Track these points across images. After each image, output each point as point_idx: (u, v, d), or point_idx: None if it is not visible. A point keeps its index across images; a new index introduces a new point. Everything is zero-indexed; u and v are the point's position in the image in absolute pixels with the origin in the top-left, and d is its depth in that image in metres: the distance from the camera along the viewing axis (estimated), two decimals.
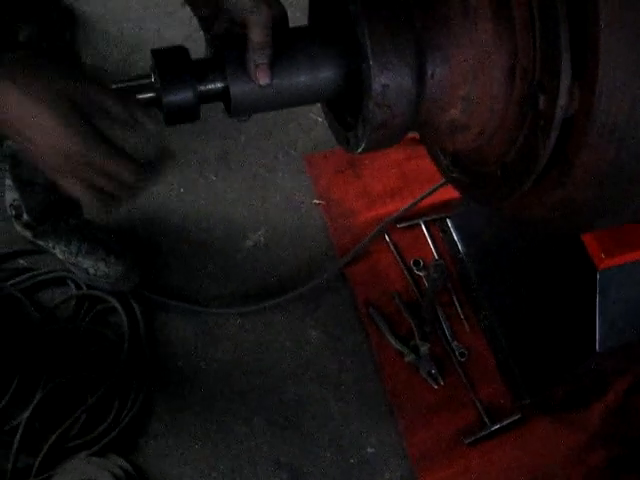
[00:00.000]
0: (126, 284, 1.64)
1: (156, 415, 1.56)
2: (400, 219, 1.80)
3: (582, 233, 1.17)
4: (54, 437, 1.48)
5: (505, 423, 1.55)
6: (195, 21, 2.10)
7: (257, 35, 0.81)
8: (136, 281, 1.65)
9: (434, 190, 1.81)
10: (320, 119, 1.95)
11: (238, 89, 0.82)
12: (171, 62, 0.81)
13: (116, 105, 0.78)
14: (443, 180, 1.79)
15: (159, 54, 0.82)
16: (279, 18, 0.85)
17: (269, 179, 1.87)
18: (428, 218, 1.81)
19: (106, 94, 0.78)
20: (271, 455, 1.53)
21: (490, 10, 0.80)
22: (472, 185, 0.99)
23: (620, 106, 0.75)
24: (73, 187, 0.80)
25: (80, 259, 1.63)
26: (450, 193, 1.81)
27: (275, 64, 0.82)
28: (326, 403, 1.59)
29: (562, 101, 0.76)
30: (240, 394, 1.59)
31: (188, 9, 2.03)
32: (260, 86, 0.82)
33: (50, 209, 1.59)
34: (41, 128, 0.75)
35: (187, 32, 2.00)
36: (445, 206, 1.81)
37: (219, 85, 0.83)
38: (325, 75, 0.84)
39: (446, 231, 1.80)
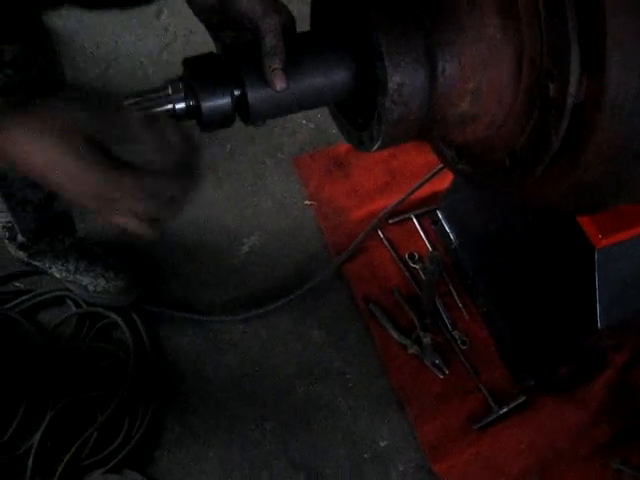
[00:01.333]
0: (126, 298, 1.64)
1: (168, 427, 1.56)
2: (391, 214, 1.82)
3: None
4: (68, 457, 1.47)
5: (511, 406, 1.58)
6: (171, 32, 2.11)
7: (270, 41, 0.82)
8: (136, 295, 1.65)
9: (422, 184, 1.84)
10: (304, 121, 1.97)
11: (256, 95, 0.83)
12: (207, 68, 0.83)
13: (140, 128, 0.74)
14: (430, 173, 1.85)
15: (193, 62, 0.83)
16: (289, 24, 0.86)
17: (259, 184, 1.89)
18: (418, 211, 1.83)
19: (126, 119, 0.74)
20: (286, 457, 1.54)
21: (495, 4, 0.82)
22: (479, 175, 1.01)
23: (628, 90, 0.78)
24: (118, 219, 0.77)
25: (79, 276, 1.62)
26: (438, 185, 1.85)
27: (289, 68, 0.83)
28: (335, 401, 1.61)
29: (572, 89, 0.78)
30: (249, 399, 1.60)
31: (163, 21, 2.04)
32: (277, 91, 0.83)
33: (44, 228, 1.58)
34: (63, 174, 0.73)
35: (164, 43, 2.01)
36: (434, 198, 1.84)
37: (237, 92, 0.84)
38: (338, 76, 0.86)
39: (437, 222, 1.83)
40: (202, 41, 0.95)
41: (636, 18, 0.75)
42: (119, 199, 0.75)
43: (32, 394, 1.53)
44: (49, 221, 1.57)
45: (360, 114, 0.93)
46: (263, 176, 1.90)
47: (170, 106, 0.83)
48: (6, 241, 1.62)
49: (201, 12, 0.88)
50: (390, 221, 1.82)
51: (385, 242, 1.79)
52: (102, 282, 1.62)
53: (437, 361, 1.63)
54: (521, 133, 0.89)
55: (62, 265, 1.62)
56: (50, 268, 1.64)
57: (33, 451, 1.47)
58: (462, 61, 0.84)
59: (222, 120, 0.87)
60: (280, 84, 0.82)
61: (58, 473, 1.46)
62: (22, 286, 1.69)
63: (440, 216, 1.82)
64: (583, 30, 0.77)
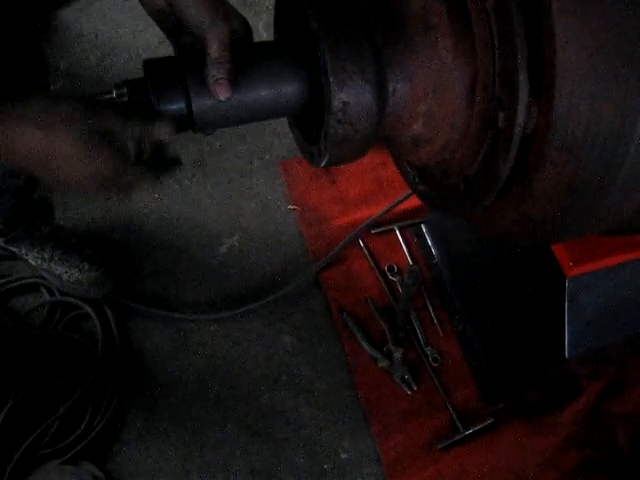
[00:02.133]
0: (99, 291, 1.64)
1: (129, 422, 1.55)
2: (374, 224, 1.80)
3: (544, 246, 1.19)
4: (26, 445, 1.47)
5: (478, 428, 1.56)
6: None
7: (215, 50, 0.81)
8: (110, 288, 1.65)
9: (408, 196, 1.82)
10: None
11: (200, 104, 0.82)
12: (163, 73, 0.82)
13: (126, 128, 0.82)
14: None
15: (151, 64, 0.82)
16: (243, 33, 0.85)
17: (244, 184, 1.87)
18: (402, 223, 1.81)
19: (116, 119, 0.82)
20: (245, 461, 1.53)
21: (450, 28, 0.80)
22: (437, 198, 0.99)
23: (577, 123, 0.76)
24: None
25: (53, 265, 1.62)
26: None
27: (236, 79, 0.82)
28: (300, 409, 1.59)
29: (520, 119, 0.76)
30: (214, 400, 1.59)
31: None
32: (220, 101, 0.82)
33: (22, 215, 1.58)
34: (69, 160, 0.79)
35: (162, 36, 2.00)
36: (419, 211, 1.81)
37: (184, 100, 0.83)
38: (288, 90, 0.84)
39: (420, 236, 1.81)
40: None
41: (587, 50, 0.73)
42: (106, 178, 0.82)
43: None
44: (27, 209, 1.57)
45: (314, 128, 0.92)
46: (249, 177, 1.89)
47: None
48: None
49: (155, 18, 0.87)
50: (373, 231, 1.80)
51: (365, 252, 1.77)
52: (76, 272, 1.61)
53: (406, 376, 1.61)
54: (474, 159, 0.87)
55: (38, 253, 1.62)
56: (26, 255, 1.64)
57: None
58: (414, 82, 0.83)
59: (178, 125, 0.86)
60: (223, 94, 0.81)
61: (14, 460, 1.46)
62: None
63: (424, 230, 1.81)
64: (534, 60, 0.75)
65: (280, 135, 1.94)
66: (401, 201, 1.81)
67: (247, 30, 0.86)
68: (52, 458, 1.48)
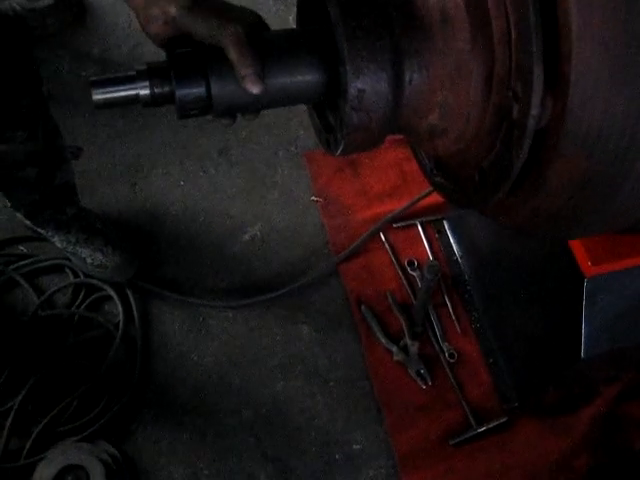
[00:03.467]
0: (122, 275, 1.67)
1: (146, 404, 1.58)
2: (397, 219, 1.81)
3: (558, 240, 1.18)
4: (45, 421, 1.50)
5: (491, 425, 1.56)
6: None
7: (234, 53, 0.81)
8: (132, 272, 1.67)
9: (432, 191, 1.82)
10: None
11: (219, 89, 0.83)
12: (185, 57, 0.83)
13: None
14: None
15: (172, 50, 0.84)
16: (255, 23, 0.85)
17: (268, 175, 1.89)
18: (424, 219, 1.81)
19: None
20: (258, 448, 1.55)
21: (467, 19, 0.80)
22: (453, 189, 1.00)
23: (592, 117, 0.76)
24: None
25: (78, 248, 1.65)
26: None
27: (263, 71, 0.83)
28: (314, 398, 1.60)
29: (535, 111, 0.76)
30: (229, 386, 1.61)
31: None
32: (254, 95, 0.82)
33: (44, 203, 1.60)
34: None
35: None
36: (442, 207, 1.81)
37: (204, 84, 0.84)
38: (305, 78, 0.85)
39: (442, 232, 1.81)
40: None
41: (603, 44, 0.73)
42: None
43: (20, 356, 1.56)
44: (50, 195, 1.59)
45: (332, 116, 0.93)
46: (274, 167, 1.90)
47: (133, 92, 0.84)
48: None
49: (165, 46, 0.87)
50: (395, 225, 1.80)
51: (386, 246, 1.78)
52: (99, 256, 1.64)
53: (422, 371, 1.62)
54: (489, 151, 0.87)
55: (64, 235, 1.65)
56: (53, 237, 1.67)
57: (13, 412, 1.50)
58: (430, 73, 0.83)
59: (197, 109, 0.87)
60: (256, 88, 0.81)
61: (33, 435, 1.49)
62: (26, 250, 1.74)
63: (446, 226, 1.81)
64: (550, 53, 0.75)
65: (306, 127, 1.95)
66: (424, 196, 1.82)
67: (258, 20, 0.86)
68: (70, 435, 1.51)
